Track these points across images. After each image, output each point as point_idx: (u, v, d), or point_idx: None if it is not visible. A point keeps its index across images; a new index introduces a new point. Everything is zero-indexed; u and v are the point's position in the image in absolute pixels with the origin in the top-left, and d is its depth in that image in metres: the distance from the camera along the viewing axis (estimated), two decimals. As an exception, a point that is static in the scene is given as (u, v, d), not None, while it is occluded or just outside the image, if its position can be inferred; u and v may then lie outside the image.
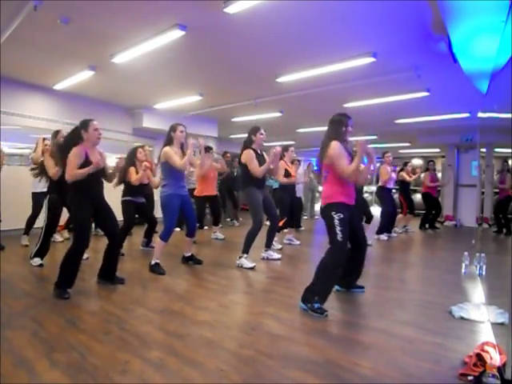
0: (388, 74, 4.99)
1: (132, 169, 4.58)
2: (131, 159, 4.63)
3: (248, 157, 4.11)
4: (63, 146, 3.24)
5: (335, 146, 2.85)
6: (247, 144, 4.21)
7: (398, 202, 7.87)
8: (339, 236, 2.76)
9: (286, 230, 6.47)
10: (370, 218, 5.89)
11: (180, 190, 3.94)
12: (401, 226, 7.57)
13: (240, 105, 7.11)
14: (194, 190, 6.56)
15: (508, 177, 7.32)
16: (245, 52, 4.65)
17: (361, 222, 3.29)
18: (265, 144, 4.34)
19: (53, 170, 3.86)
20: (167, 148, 3.85)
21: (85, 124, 3.16)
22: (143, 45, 4.19)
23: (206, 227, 6.49)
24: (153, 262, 3.93)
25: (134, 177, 4.55)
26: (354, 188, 3.00)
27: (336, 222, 2.79)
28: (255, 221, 4.16)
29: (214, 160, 6.08)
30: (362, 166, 2.86)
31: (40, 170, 4.10)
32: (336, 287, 3.32)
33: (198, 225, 5.86)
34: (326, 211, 2.90)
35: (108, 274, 3.43)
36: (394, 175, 6.63)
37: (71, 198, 3.13)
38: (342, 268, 3.20)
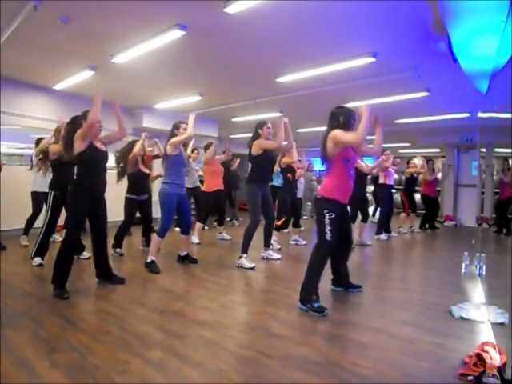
0: (388, 74, 4.99)
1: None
2: (129, 150, 4.61)
3: (259, 143, 4.13)
4: (66, 136, 3.24)
5: (334, 132, 2.86)
6: (254, 137, 4.23)
7: (400, 201, 7.87)
8: (328, 235, 2.83)
9: (286, 230, 6.48)
10: (366, 216, 5.88)
11: (179, 189, 3.99)
12: (407, 227, 7.57)
13: (240, 105, 7.10)
14: (193, 188, 6.60)
15: (509, 174, 7.32)
16: (245, 52, 4.65)
17: (350, 221, 3.34)
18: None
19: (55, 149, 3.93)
20: (172, 138, 3.92)
21: (86, 114, 3.16)
22: (143, 45, 4.19)
23: (206, 227, 6.48)
24: (149, 260, 3.94)
25: (131, 155, 4.50)
26: (352, 185, 3.01)
27: (327, 221, 2.83)
28: (252, 219, 4.17)
29: (217, 154, 6.06)
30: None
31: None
32: (332, 287, 3.34)
33: (203, 225, 5.89)
34: (319, 205, 2.95)
35: (103, 273, 3.43)
36: (393, 171, 6.64)
37: (72, 191, 3.13)
38: (333, 269, 3.25)
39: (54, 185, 4.01)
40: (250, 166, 4.33)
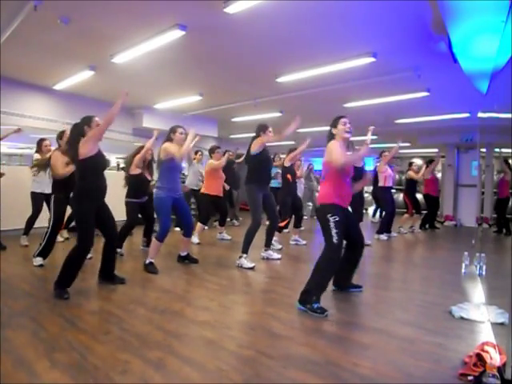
0: (388, 74, 4.99)
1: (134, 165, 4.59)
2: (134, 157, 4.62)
3: (257, 143, 4.14)
4: (71, 143, 3.20)
5: (332, 144, 2.93)
6: (255, 139, 4.22)
7: (403, 202, 7.87)
8: (334, 238, 2.81)
9: (286, 230, 6.47)
10: (361, 216, 5.83)
11: (174, 193, 3.97)
12: (407, 227, 7.56)
13: (240, 105, 7.11)
14: (196, 190, 6.59)
15: (508, 174, 7.31)
16: (245, 52, 4.65)
17: (356, 220, 3.34)
18: (267, 144, 4.35)
19: (62, 170, 3.77)
20: (166, 143, 3.90)
21: (88, 120, 3.16)
22: (143, 45, 4.20)
23: (206, 228, 6.46)
24: (147, 261, 3.94)
25: (134, 167, 4.55)
26: (350, 191, 3.01)
27: (331, 224, 2.82)
28: (254, 219, 4.17)
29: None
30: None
31: (41, 167, 4.12)
32: (333, 287, 3.34)
33: (204, 226, 5.88)
34: (321, 212, 2.93)
35: (108, 273, 3.44)
36: (391, 173, 6.63)
37: (76, 197, 3.10)
38: (339, 268, 3.24)
39: (56, 188, 3.98)
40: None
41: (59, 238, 5.40)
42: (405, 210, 7.72)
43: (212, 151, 5.87)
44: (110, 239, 3.38)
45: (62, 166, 3.78)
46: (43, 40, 4.33)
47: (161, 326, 2.51)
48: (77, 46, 4.49)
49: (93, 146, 3.08)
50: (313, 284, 2.85)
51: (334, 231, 2.81)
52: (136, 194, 4.62)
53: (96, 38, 4.22)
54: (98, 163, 3.14)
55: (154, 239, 4.02)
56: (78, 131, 3.16)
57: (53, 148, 4.49)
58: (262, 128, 4.23)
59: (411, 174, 7.40)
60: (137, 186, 4.60)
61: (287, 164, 5.55)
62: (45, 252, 3.98)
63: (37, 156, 4.78)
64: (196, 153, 6.69)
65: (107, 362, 1.99)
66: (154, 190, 4.05)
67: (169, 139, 3.96)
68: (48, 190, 4.23)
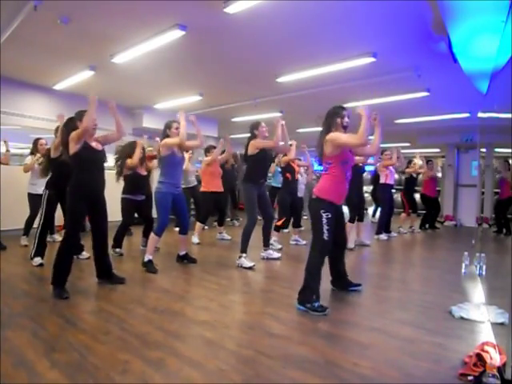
0: (388, 74, 4.99)
1: (129, 159, 4.55)
2: (129, 151, 4.57)
3: (256, 142, 4.13)
4: (62, 138, 3.23)
5: (333, 134, 2.90)
6: (251, 138, 4.21)
7: (400, 202, 7.86)
8: (325, 235, 2.84)
9: (286, 230, 6.47)
10: (362, 216, 5.81)
11: (174, 189, 3.99)
12: (407, 227, 7.55)
13: (240, 105, 7.11)
14: (191, 188, 6.58)
15: (509, 175, 7.31)
16: (245, 52, 4.65)
17: (344, 221, 3.37)
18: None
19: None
20: (164, 139, 3.93)
21: (81, 115, 3.17)
22: (143, 45, 4.20)
23: (206, 227, 6.46)
24: (146, 259, 3.94)
25: (130, 161, 4.47)
26: (347, 188, 3.01)
27: (324, 220, 2.85)
28: (249, 218, 4.17)
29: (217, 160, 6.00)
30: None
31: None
32: (332, 287, 3.35)
33: (203, 225, 5.86)
34: (315, 205, 2.95)
35: (104, 273, 3.43)
36: (392, 170, 6.60)
37: (69, 191, 3.13)
38: (331, 270, 3.27)
39: (50, 184, 4.01)
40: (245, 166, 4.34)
41: (59, 238, 5.41)
42: (402, 210, 7.71)
43: (208, 151, 5.86)
44: (98, 237, 3.35)
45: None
46: (43, 40, 4.33)
47: (161, 325, 2.51)
48: (77, 46, 4.49)
49: (74, 145, 3.08)
50: (310, 283, 2.85)
51: (325, 228, 2.83)
52: (131, 190, 4.61)
53: (96, 38, 4.22)
54: (83, 158, 3.11)
55: (151, 234, 4.03)
56: (71, 126, 3.18)
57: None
58: (254, 126, 4.19)
59: (409, 170, 7.36)
60: (132, 182, 4.59)
61: (283, 164, 5.53)
62: (40, 251, 3.99)
63: (30, 158, 4.80)
64: (187, 151, 6.65)
65: (107, 361, 1.99)
66: (156, 185, 4.06)
67: (165, 136, 3.97)
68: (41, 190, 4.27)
